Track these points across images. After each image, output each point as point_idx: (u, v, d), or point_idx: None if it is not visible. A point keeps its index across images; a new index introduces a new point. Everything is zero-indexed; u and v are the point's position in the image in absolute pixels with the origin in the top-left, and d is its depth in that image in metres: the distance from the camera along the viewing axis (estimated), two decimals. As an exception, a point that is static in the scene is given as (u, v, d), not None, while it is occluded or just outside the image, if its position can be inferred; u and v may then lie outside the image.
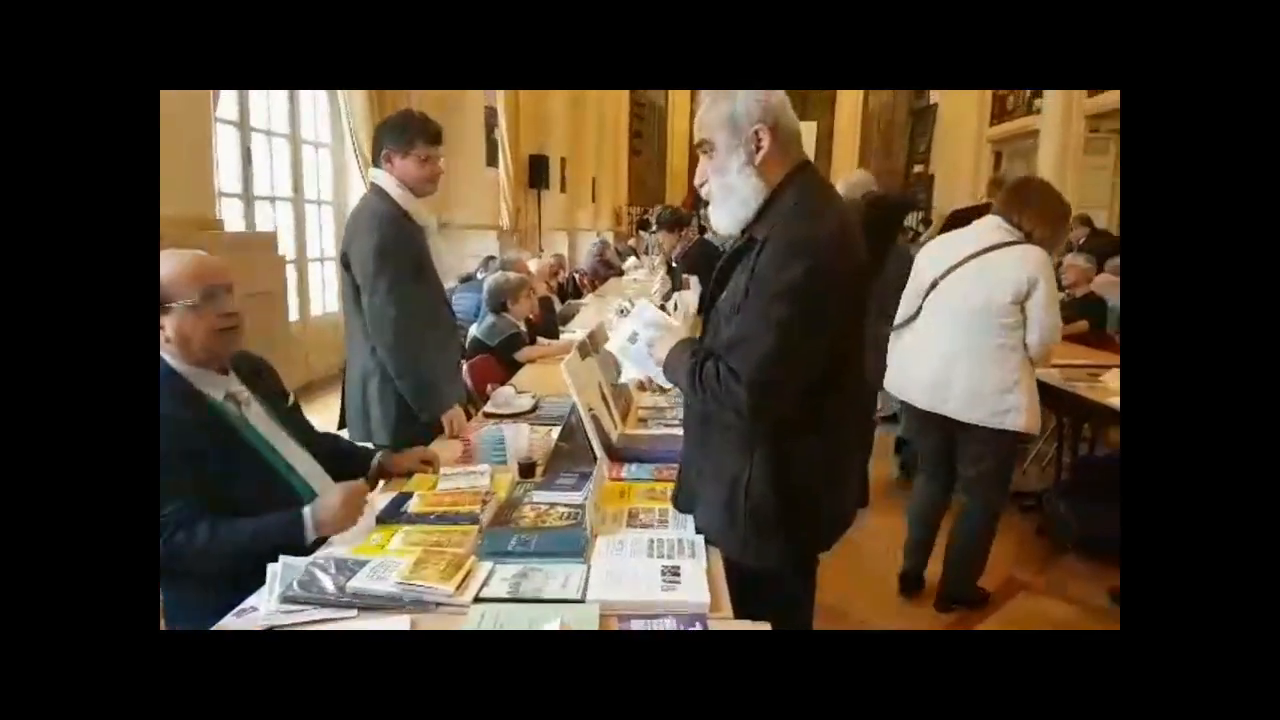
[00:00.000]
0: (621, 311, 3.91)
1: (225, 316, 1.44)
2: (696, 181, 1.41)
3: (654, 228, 4.08)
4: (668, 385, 1.52)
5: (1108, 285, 4.49)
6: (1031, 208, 2.42)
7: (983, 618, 2.67)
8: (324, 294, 4.79)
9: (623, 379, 2.14)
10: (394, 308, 2.07)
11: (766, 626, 1.14)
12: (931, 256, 2.60)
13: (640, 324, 1.49)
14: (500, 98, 7.22)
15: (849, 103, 18.80)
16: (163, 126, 2.47)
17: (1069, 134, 11.57)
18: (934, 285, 2.50)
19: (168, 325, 1.39)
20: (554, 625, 1.08)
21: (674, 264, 3.79)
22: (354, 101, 4.52)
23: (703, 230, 4.16)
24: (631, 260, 9.52)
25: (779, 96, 1.34)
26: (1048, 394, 3.15)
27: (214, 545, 1.31)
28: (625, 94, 16.90)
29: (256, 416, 1.51)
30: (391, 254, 2.07)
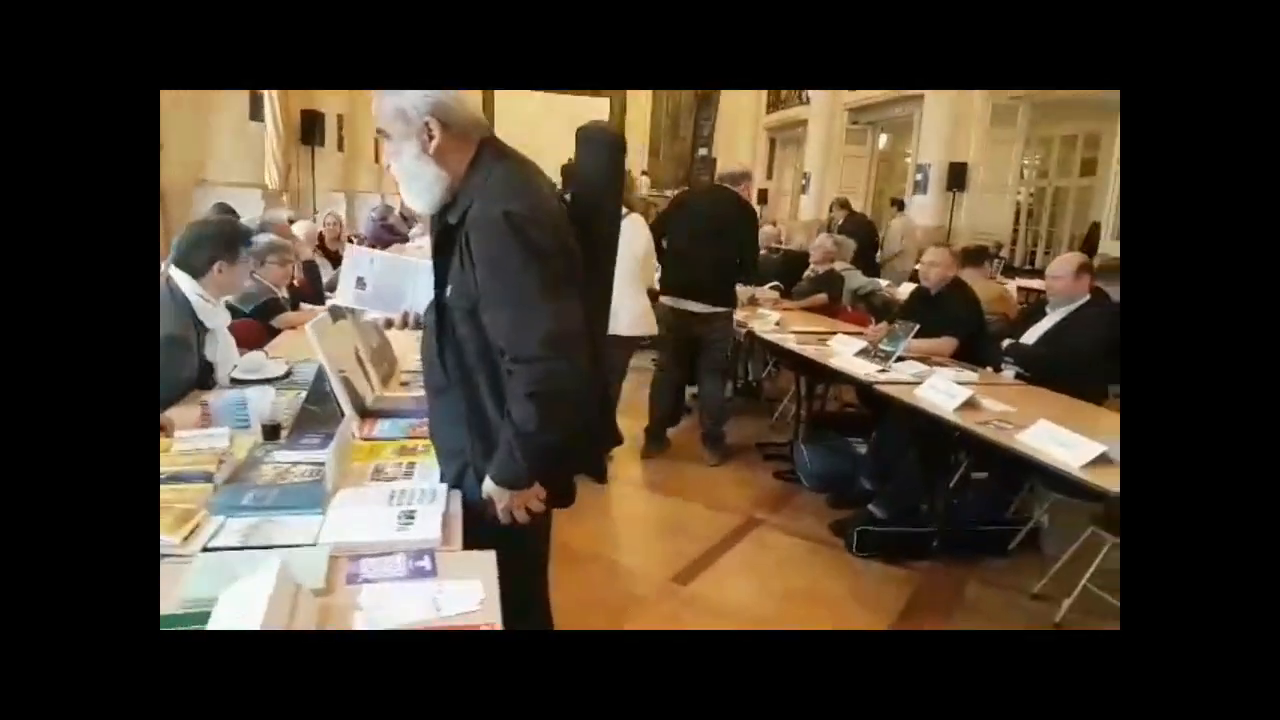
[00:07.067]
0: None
1: None
2: (383, 163, 1.45)
3: None
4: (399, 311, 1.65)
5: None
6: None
7: (728, 548, 3.08)
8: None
9: (366, 319, 2.14)
10: None
11: (491, 554, 1.26)
12: None
13: (363, 269, 1.61)
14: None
15: (639, 81, 19.27)
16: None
17: (833, 125, 12.79)
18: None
19: None
20: (274, 568, 1.07)
21: None
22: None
23: None
24: (418, 228, 9.16)
25: (452, 93, 1.38)
26: (788, 357, 3.63)
27: None
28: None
29: None
30: None
